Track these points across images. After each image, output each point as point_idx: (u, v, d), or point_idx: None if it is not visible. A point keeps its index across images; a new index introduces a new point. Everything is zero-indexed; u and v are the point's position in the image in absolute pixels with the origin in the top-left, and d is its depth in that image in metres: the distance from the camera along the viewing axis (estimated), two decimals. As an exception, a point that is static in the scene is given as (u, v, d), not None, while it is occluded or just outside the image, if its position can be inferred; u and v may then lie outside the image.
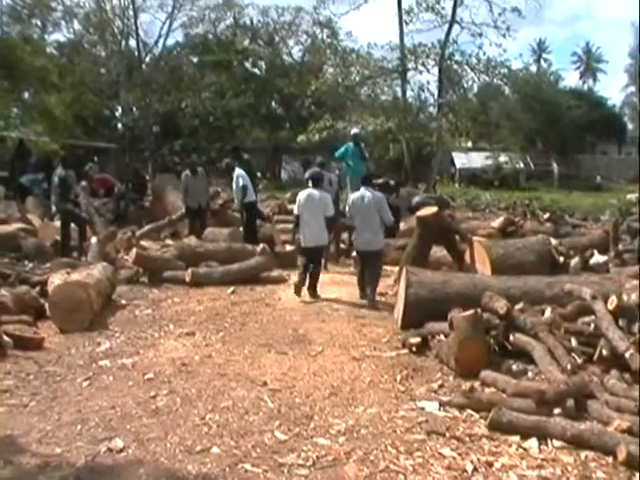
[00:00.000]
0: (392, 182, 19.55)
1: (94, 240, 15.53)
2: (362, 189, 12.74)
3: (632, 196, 31.01)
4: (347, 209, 12.98)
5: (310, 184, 12.94)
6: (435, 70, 40.22)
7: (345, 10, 41.65)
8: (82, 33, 52.82)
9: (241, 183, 16.24)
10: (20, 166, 26.55)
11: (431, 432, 6.23)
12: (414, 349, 8.84)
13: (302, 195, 12.86)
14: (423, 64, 40.05)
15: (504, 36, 38.57)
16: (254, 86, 51.04)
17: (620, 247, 15.05)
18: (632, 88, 70.02)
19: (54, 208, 17.49)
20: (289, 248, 15.88)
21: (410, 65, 40.33)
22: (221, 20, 54.38)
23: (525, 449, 5.92)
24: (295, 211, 13.07)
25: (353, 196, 12.98)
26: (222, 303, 12.08)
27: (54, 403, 7.05)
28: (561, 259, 12.90)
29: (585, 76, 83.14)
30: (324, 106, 46.01)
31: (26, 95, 33.15)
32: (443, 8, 39.19)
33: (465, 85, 44.39)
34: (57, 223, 17.18)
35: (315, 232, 12.53)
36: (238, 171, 16.48)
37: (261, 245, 14.92)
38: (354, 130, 24.55)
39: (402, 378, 7.83)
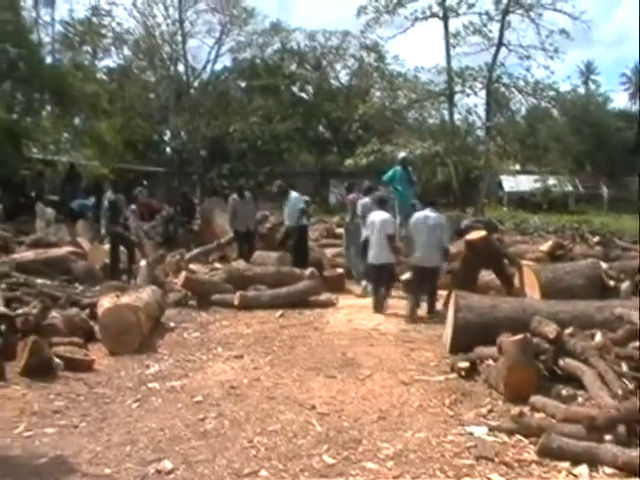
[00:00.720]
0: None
1: (143, 263, 15.67)
2: (427, 210, 13.31)
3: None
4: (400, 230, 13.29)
5: (376, 206, 13.99)
6: (483, 93, 40.18)
7: (392, 34, 41.56)
8: (132, 59, 53.42)
9: (300, 205, 16.36)
10: (71, 190, 26.88)
11: (480, 457, 6.19)
12: (463, 373, 8.78)
13: (376, 217, 13.65)
14: (470, 87, 40.05)
15: (552, 58, 38.44)
16: (302, 110, 51.28)
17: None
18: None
19: (104, 231, 17.67)
20: (338, 271, 15.89)
21: (457, 88, 40.32)
22: (268, 45, 54.74)
23: (575, 475, 5.86)
24: (365, 233, 14.28)
25: (417, 215, 13.43)
26: (271, 326, 12.11)
27: (104, 424, 7.12)
28: (611, 283, 12.75)
29: (634, 97, 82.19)
30: (371, 130, 46.07)
31: (77, 120, 33.56)
32: (490, 31, 39.18)
33: (513, 108, 44.22)
34: (107, 246, 17.36)
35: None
36: (294, 194, 16.55)
37: (310, 269, 14.95)
38: (402, 154, 24.56)
39: (451, 402, 7.78)
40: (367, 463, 6.06)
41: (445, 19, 39.85)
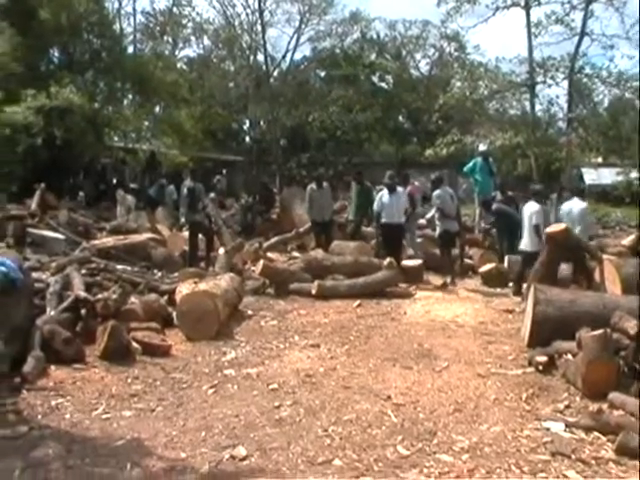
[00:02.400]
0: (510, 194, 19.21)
1: (222, 251, 15.83)
2: (575, 199, 14.05)
3: None
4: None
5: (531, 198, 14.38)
6: (565, 84, 39.50)
7: (473, 23, 41.15)
8: (211, 48, 53.87)
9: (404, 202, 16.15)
10: (151, 178, 27.24)
11: (556, 453, 6.11)
12: (540, 368, 8.69)
13: (526, 208, 14.21)
14: (552, 78, 39.38)
15: (636, 48, 37.60)
16: (381, 100, 51.12)
17: None
18: None
19: (182, 219, 17.88)
20: (415, 262, 15.80)
21: (539, 79, 39.71)
22: (348, 34, 54.62)
23: (654, 475, 5.75)
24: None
25: (566, 205, 14.16)
26: (348, 316, 12.14)
27: (180, 409, 7.23)
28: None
29: None
30: (452, 120, 45.72)
31: (157, 109, 33.98)
32: (573, 20, 38.46)
33: (595, 99, 43.42)
34: (185, 234, 17.56)
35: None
36: (400, 189, 16.22)
37: (387, 259, 14.92)
38: (482, 145, 24.34)
39: (527, 397, 7.71)
40: (442, 455, 6.04)
41: (527, 8, 39.24)
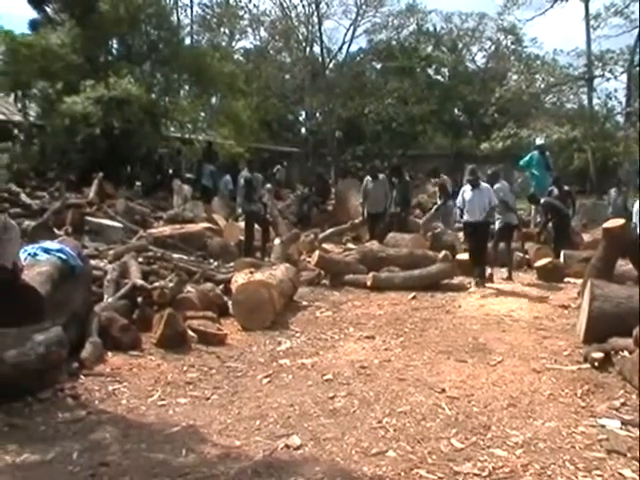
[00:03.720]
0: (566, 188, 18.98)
1: (277, 241, 15.91)
2: None
3: None
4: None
5: None
6: (623, 77, 39.06)
7: (530, 15, 41.01)
8: (268, 40, 54.06)
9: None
10: (207, 168, 27.43)
11: (612, 451, 6.05)
12: (596, 364, 8.60)
13: None
14: (611, 71, 38.98)
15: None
16: (437, 93, 50.90)
17: None
18: None
19: (239, 209, 17.99)
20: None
21: (597, 72, 39.30)
22: (404, 26, 54.42)
23: None
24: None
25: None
26: (402, 308, 12.16)
27: (234, 397, 7.31)
28: None
29: None
30: (508, 114, 45.43)
31: (214, 100, 34.16)
32: (632, 12, 37.97)
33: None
34: (241, 224, 17.67)
35: None
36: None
37: (443, 252, 14.88)
38: (539, 140, 24.15)
39: (583, 393, 7.64)
40: (496, 450, 6.02)
41: (585, 0, 38.83)
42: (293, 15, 51.35)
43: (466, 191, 14.74)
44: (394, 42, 54.10)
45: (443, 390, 7.59)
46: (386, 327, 10.70)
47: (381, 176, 18.85)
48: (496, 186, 15.29)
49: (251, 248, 16.26)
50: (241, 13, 50.41)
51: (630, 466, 5.79)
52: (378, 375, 8.15)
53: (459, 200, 14.99)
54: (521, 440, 6.24)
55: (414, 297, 13.00)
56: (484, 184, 14.70)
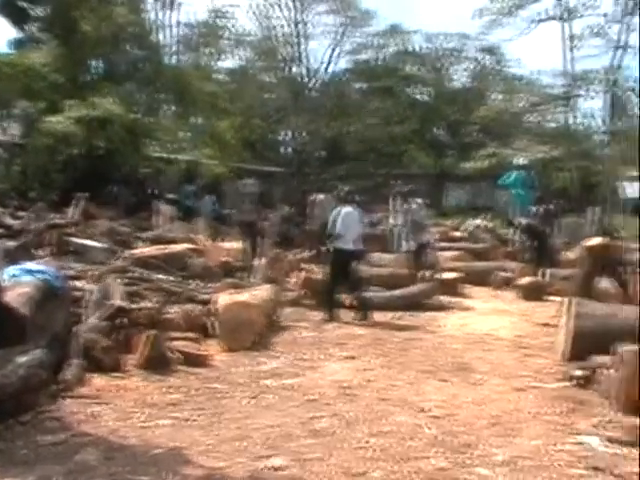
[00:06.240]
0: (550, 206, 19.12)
1: (260, 261, 15.90)
2: None
3: None
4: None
5: None
6: (603, 96, 39.40)
7: (510, 36, 41.32)
8: (252, 60, 54.09)
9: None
10: (188, 189, 27.44)
11: (593, 468, 6.07)
12: (578, 382, 8.65)
13: None
14: (591, 90, 39.30)
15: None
16: (420, 112, 51.00)
17: None
18: None
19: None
20: (453, 275, 15.81)
21: (578, 92, 39.61)
22: (387, 46, 54.53)
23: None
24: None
25: None
26: (384, 328, 12.17)
27: (217, 419, 7.25)
28: None
29: None
30: (490, 133, 45.61)
31: (198, 119, 34.21)
32: (607, 34, 38.41)
33: (636, 112, 43.16)
34: (225, 244, 17.66)
35: None
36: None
37: (424, 271, 14.95)
38: (519, 159, 24.37)
39: (565, 411, 7.65)
40: (479, 468, 6.00)
41: (565, 21, 39.23)
42: (274, 35, 51.47)
43: (344, 213, 13.48)
44: (377, 62, 54.24)
45: (426, 410, 7.57)
46: (368, 347, 10.71)
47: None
48: (413, 206, 15.36)
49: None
50: (224, 33, 50.48)
51: (613, 483, 5.82)
52: (361, 395, 8.13)
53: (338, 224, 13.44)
54: (505, 458, 6.23)
55: (396, 317, 13.03)
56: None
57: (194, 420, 7.21)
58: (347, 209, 13.38)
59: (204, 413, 7.43)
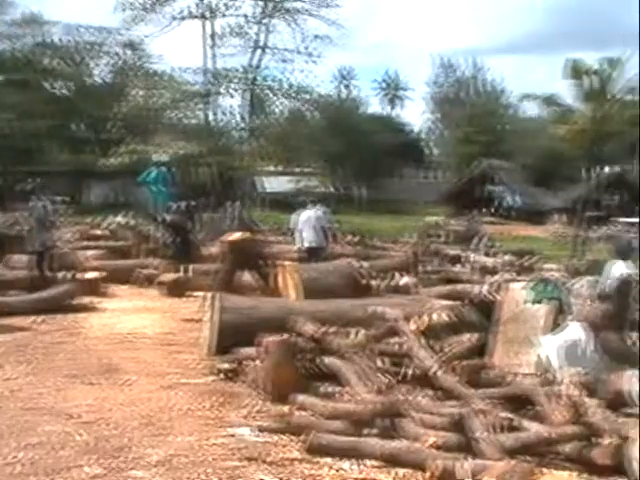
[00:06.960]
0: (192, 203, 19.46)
1: None
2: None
3: (431, 218, 32.03)
4: None
5: None
6: (244, 94, 40.63)
7: (152, 32, 41.54)
8: None
9: None
10: None
11: (247, 458, 6.23)
12: (225, 375, 8.83)
13: None
14: (232, 88, 40.42)
15: (314, 62, 39.67)
16: (60, 107, 49.59)
17: (427, 268, 15.67)
18: (428, 115, 72.55)
19: None
20: (94, 275, 15.57)
21: (219, 89, 40.56)
22: (25, 37, 52.47)
23: (344, 469, 6.04)
24: None
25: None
26: (27, 333, 11.66)
27: None
28: (368, 281, 13.10)
29: (392, 102, 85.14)
30: (132, 130, 45.43)
31: None
32: (247, 34, 39.77)
33: (275, 109, 44.94)
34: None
35: None
36: None
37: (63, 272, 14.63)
38: (157, 156, 24.50)
39: (215, 405, 7.81)
40: (134, 471, 5.96)
41: (207, 19, 40.08)
42: None
43: None
44: (15, 53, 52.00)
45: (75, 416, 7.37)
46: (10, 355, 10.17)
47: None
48: (38, 204, 15.27)
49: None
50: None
51: (266, 470, 6.01)
52: (5, 407, 7.73)
53: None
54: (160, 458, 6.23)
55: (38, 320, 12.49)
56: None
57: None
58: None
59: None
